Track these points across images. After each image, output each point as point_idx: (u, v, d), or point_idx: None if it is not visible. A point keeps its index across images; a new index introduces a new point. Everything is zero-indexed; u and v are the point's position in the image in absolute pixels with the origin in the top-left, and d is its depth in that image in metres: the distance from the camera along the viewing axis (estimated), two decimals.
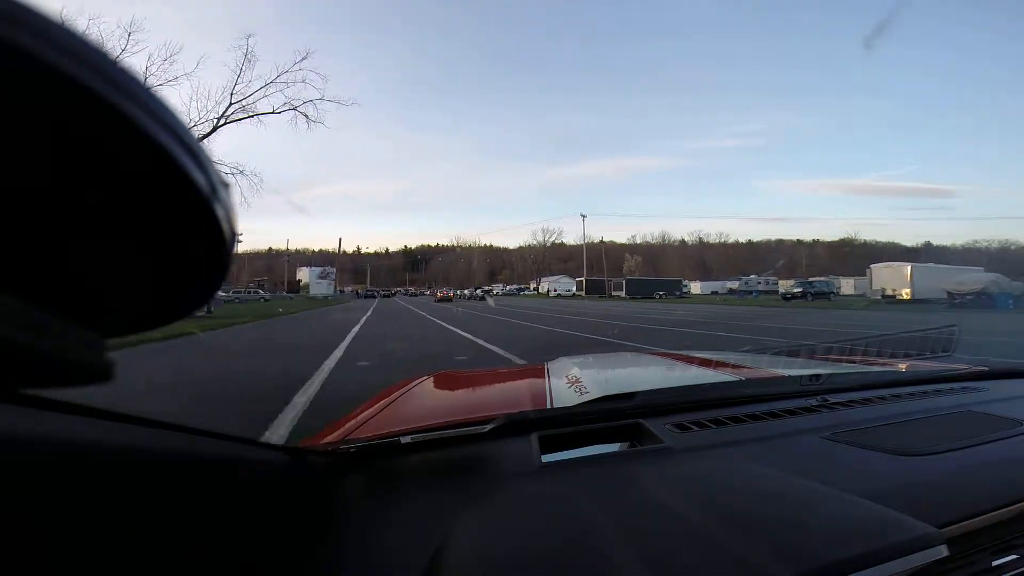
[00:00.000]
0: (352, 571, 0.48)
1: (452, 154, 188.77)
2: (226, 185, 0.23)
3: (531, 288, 71.53)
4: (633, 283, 46.24)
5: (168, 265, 0.24)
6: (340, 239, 44.69)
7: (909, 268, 23.79)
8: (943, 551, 0.40)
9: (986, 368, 1.14)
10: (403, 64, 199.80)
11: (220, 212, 0.22)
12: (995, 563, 0.48)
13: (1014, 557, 0.49)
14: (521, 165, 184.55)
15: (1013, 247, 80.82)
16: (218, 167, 0.22)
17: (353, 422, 0.88)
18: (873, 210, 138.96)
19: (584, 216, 56.27)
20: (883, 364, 1.33)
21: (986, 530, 0.50)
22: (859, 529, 0.43)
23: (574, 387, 1.01)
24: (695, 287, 55.84)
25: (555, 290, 57.40)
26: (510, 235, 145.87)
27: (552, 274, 74.24)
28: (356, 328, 10.53)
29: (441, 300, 34.45)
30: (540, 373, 1.22)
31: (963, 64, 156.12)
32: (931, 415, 0.82)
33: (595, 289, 50.42)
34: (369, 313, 17.27)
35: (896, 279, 24.32)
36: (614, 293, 46.04)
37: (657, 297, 42.43)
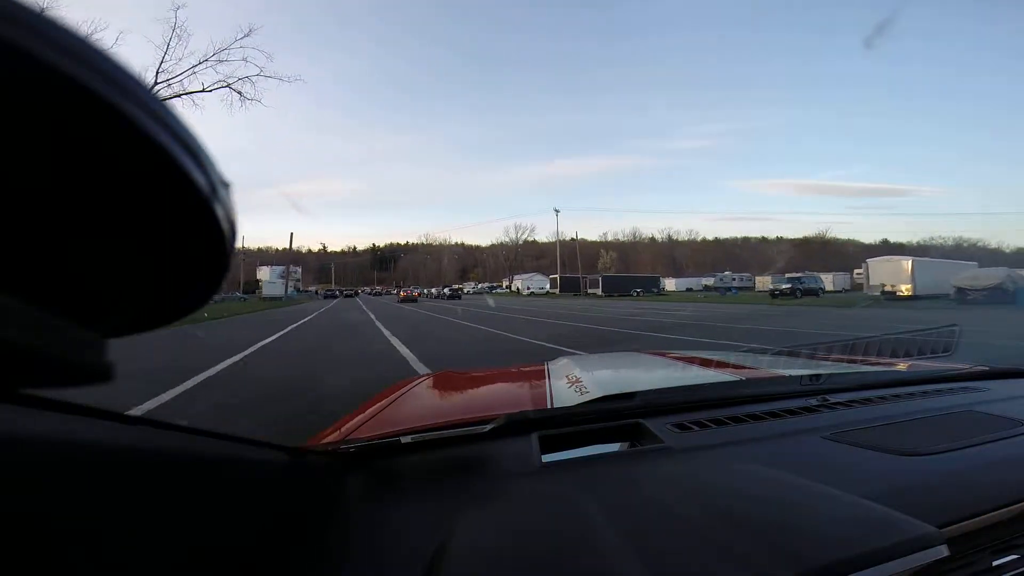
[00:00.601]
0: (352, 571, 0.48)
1: (421, 152, 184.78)
2: (226, 185, 0.23)
3: (503, 286, 67.55)
4: (609, 280, 43.69)
5: (168, 265, 0.24)
6: (292, 234, 46.92)
7: (910, 262, 22.19)
8: (943, 551, 0.40)
9: (986, 368, 1.16)
10: (371, 59, 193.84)
11: (220, 212, 0.22)
12: (995, 563, 0.49)
13: (1014, 557, 0.49)
14: (493, 163, 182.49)
15: (966, 244, 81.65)
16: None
17: (353, 422, 0.88)
18: (828, 208, 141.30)
19: (558, 211, 53.19)
20: (883, 364, 1.34)
21: (986, 530, 0.51)
22: (859, 529, 0.43)
23: (574, 387, 1.01)
24: (669, 284, 54.30)
25: (528, 288, 54.04)
26: (481, 233, 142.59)
27: (525, 272, 73.00)
28: (268, 340, 8.80)
29: (405, 300, 30.13)
30: (540, 373, 1.22)
31: (915, 70, 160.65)
32: (931, 415, 0.83)
33: (569, 287, 48.17)
34: (311, 317, 15.55)
35: (895, 274, 22.97)
36: (590, 291, 43.66)
37: (634, 295, 40.76)
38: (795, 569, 0.38)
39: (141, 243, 0.22)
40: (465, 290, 64.01)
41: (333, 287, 66.41)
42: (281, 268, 65.00)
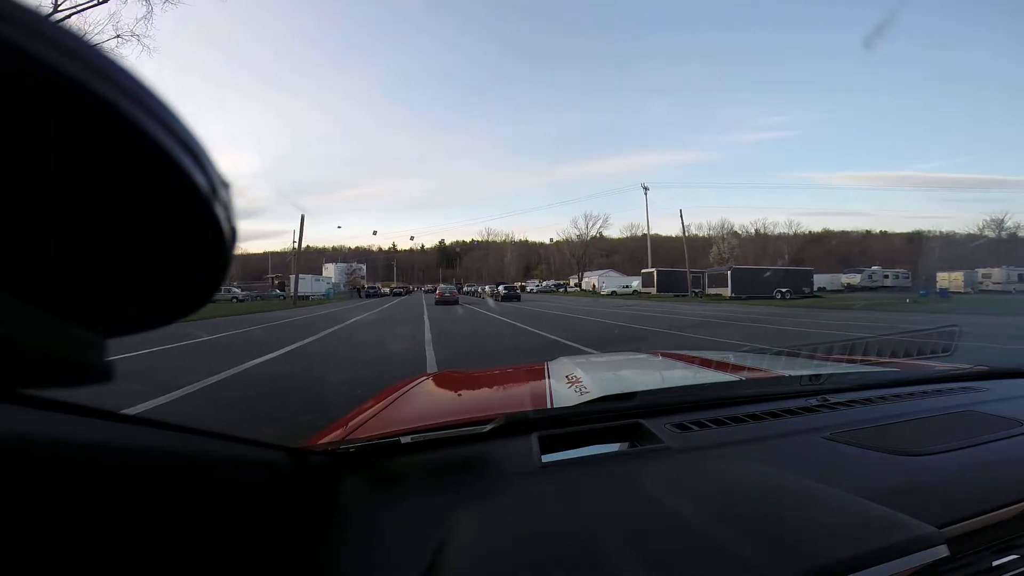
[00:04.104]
0: (353, 571, 0.48)
1: (486, 150, 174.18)
2: (226, 185, 0.22)
3: (571, 284, 54.82)
4: (743, 276, 27.41)
5: (169, 265, 0.23)
6: (303, 216, 32.82)
7: None
8: (943, 551, 0.41)
9: (986, 368, 1.12)
10: (437, 62, 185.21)
11: (220, 212, 0.21)
12: (995, 563, 0.49)
13: (1014, 557, 0.49)
14: (558, 159, 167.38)
15: None
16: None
17: (353, 422, 0.91)
18: (926, 202, 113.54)
19: (647, 188, 38.29)
20: (883, 364, 1.29)
21: (986, 530, 0.51)
22: (860, 529, 0.43)
23: (574, 387, 1.02)
24: None
25: (604, 285, 45.31)
26: (545, 230, 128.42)
27: (593, 269, 64.35)
28: None
29: (442, 302, 24.15)
30: (540, 373, 1.22)
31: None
32: (931, 415, 0.83)
33: (670, 284, 36.17)
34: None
35: None
36: (710, 290, 31.59)
37: (778, 296, 28.69)
38: (795, 569, 0.38)
39: (141, 243, 0.22)
40: (528, 288, 49.11)
41: (370, 285, 61.97)
42: (345, 265, 62.86)
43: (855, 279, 43.47)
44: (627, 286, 43.39)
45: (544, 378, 1.16)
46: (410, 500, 0.58)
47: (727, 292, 29.29)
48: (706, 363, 1.31)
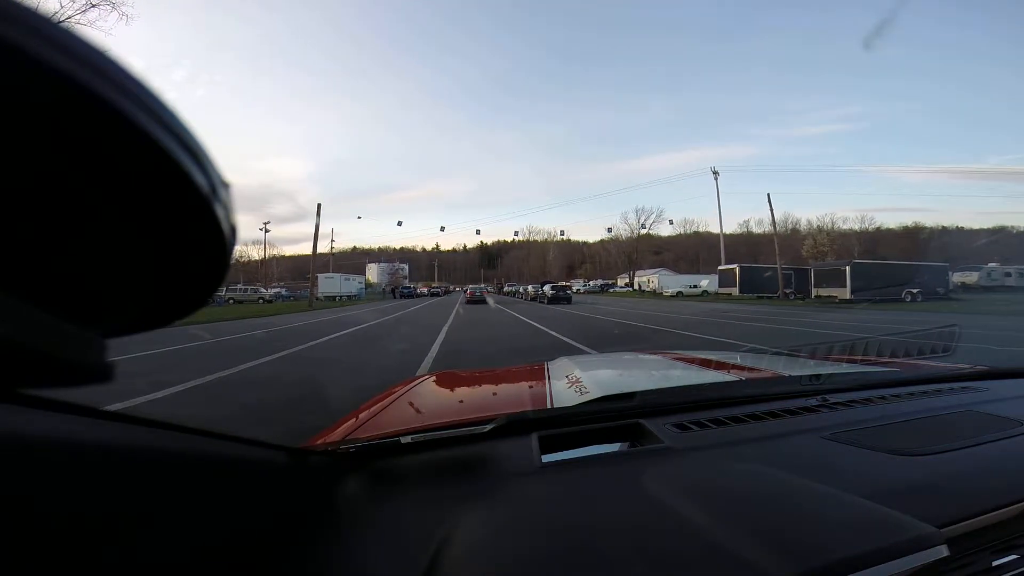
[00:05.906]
0: (353, 571, 0.48)
1: (527, 150, 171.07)
2: (226, 185, 0.22)
3: (622, 284, 56.55)
4: (866, 273, 23.73)
5: (168, 265, 0.23)
6: (319, 205, 28.50)
7: None
8: (943, 551, 0.41)
9: (986, 368, 1.09)
10: (479, 65, 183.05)
11: (220, 212, 0.21)
12: (995, 563, 0.49)
13: (1014, 557, 0.50)
14: (599, 159, 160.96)
15: None
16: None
17: (353, 422, 0.93)
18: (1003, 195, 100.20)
19: (717, 173, 32.29)
20: (883, 364, 1.25)
21: (986, 530, 0.51)
22: (860, 529, 0.43)
23: (574, 387, 1.01)
24: None
25: (664, 285, 39.88)
26: (589, 229, 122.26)
27: (642, 267, 60.19)
28: None
29: (473, 301, 25.88)
30: (540, 373, 1.22)
31: None
32: (931, 415, 0.82)
33: (755, 283, 30.36)
34: None
35: None
36: (819, 290, 24.54)
37: (908, 299, 22.38)
38: (795, 569, 0.38)
39: (141, 243, 0.21)
40: (575, 288, 44.19)
41: (411, 285, 60.39)
42: (387, 265, 61.24)
43: (971, 278, 38.36)
44: (695, 285, 38.22)
45: (544, 378, 1.15)
46: (410, 500, 0.58)
47: (844, 293, 22.50)
48: (706, 363, 1.27)
